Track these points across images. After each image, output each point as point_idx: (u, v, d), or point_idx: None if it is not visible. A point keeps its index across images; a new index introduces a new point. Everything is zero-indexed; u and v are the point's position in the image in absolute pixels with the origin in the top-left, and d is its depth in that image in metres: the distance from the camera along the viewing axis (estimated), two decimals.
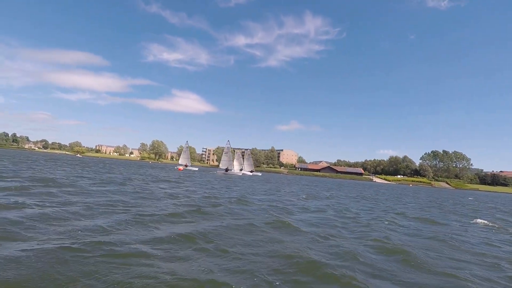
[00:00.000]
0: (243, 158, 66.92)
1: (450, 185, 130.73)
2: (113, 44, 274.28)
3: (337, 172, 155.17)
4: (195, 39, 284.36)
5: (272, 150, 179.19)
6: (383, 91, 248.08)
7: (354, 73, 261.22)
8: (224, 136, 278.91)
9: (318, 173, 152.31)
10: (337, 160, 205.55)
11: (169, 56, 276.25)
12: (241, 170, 59.24)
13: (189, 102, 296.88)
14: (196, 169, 66.31)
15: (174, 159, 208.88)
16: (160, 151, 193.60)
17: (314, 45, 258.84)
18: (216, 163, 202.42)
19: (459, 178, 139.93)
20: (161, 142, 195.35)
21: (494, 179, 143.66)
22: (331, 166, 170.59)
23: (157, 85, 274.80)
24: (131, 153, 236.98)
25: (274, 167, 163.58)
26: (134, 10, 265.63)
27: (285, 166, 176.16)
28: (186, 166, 62.56)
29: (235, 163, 61.41)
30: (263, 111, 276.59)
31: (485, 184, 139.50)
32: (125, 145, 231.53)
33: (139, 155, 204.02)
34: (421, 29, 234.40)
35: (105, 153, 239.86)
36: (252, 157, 62.47)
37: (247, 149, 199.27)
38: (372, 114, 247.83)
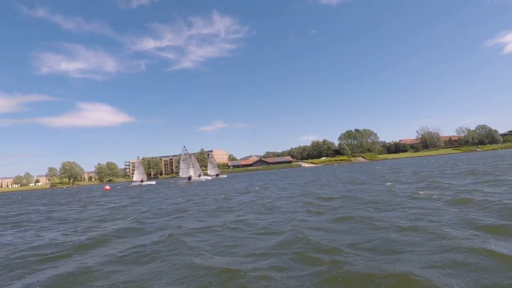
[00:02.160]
0: (198, 163, 62.27)
1: (365, 158, 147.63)
2: None
3: (269, 163, 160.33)
4: (98, 46, 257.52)
5: (202, 152, 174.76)
6: (295, 80, 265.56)
7: (266, 68, 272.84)
8: (147, 145, 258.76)
9: (251, 167, 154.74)
10: (266, 152, 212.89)
11: (69, 66, 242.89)
12: (199, 176, 53.57)
13: (101, 115, 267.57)
14: (154, 182, 61.56)
15: (93, 179, 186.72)
16: (74, 173, 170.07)
17: (226, 44, 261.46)
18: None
19: (371, 151, 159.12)
20: (74, 163, 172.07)
21: (397, 148, 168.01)
22: (262, 159, 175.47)
23: (58, 99, 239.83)
24: (37, 181, 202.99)
25: (207, 169, 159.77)
26: (14, 16, 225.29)
27: (218, 166, 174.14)
28: (142, 181, 58.77)
29: (193, 169, 55.25)
30: (184, 114, 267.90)
31: (391, 153, 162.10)
32: (27, 173, 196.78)
33: (48, 182, 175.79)
34: (319, 24, 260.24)
35: (1, 186, 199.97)
36: (191, 160, 56.80)
37: (175, 155, 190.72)
38: (288, 102, 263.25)
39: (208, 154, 73.29)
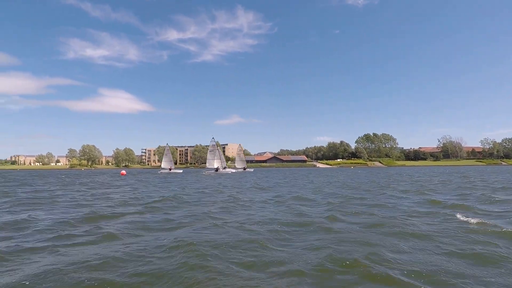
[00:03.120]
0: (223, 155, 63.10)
1: (382, 163, 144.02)
2: (22, 40, 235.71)
3: (283, 161, 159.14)
4: (123, 34, 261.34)
5: (217, 145, 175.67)
6: (315, 80, 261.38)
7: (287, 66, 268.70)
8: (163, 135, 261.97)
9: (265, 164, 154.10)
10: (280, 149, 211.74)
11: (93, 53, 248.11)
12: (224, 168, 54.32)
13: (121, 102, 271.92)
14: (181, 171, 63.34)
15: (110, 164, 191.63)
16: (92, 156, 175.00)
17: (248, 40, 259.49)
18: (158, 164, 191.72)
19: (389, 157, 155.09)
20: (93, 146, 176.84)
21: (416, 155, 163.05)
22: (276, 156, 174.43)
23: (81, 84, 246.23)
24: (58, 161, 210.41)
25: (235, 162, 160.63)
26: (45, 1, 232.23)
27: (231, 159, 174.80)
28: (170, 169, 59.23)
29: (219, 160, 55.93)
30: (202, 107, 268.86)
31: (409, 160, 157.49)
32: (49, 153, 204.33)
33: (67, 163, 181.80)
34: (344, 24, 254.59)
35: (24, 164, 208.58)
36: (218, 152, 57.44)
37: (191, 146, 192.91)
38: (305, 102, 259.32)
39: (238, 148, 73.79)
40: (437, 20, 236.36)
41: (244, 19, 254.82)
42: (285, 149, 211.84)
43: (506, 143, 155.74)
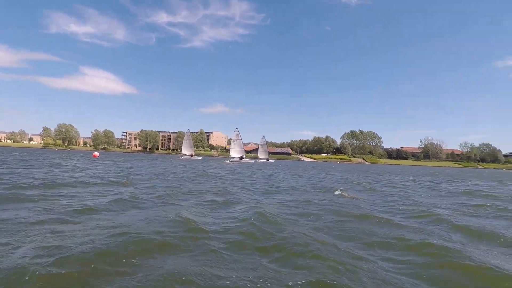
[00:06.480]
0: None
1: (365, 160, 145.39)
2: (1, 9, 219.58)
3: (268, 153, 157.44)
4: (111, 12, 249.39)
5: (201, 133, 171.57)
6: (302, 75, 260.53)
7: (276, 59, 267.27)
8: (145, 119, 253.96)
9: (249, 154, 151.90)
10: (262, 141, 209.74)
11: (78, 29, 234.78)
12: (241, 158, 55.47)
13: (103, 82, 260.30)
14: (200, 158, 64.46)
15: (88, 145, 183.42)
16: (69, 136, 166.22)
17: (239, 29, 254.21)
18: (139, 148, 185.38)
19: (372, 154, 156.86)
20: (70, 125, 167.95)
21: (398, 154, 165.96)
22: (259, 146, 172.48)
23: (62, 61, 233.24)
24: (31, 139, 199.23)
25: (205, 150, 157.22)
26: None
27: (216, 148, 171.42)
28: (192, 155, 59.29)
29: (242, 150, 57.59)
30: (187, 93, 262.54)
31: (391, 158, 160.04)
32: (22, 131, 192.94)
33: (41, 142, 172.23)
34: (335, 22, 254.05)
35: None
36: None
37: (174, 132, 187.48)
38: (292, 95, 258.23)
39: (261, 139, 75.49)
40: (427, 21, 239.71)
41: (238, 7, 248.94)
42: (269, 141, 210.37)
43: (483, 148, 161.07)
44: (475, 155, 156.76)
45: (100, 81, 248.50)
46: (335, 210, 7.35)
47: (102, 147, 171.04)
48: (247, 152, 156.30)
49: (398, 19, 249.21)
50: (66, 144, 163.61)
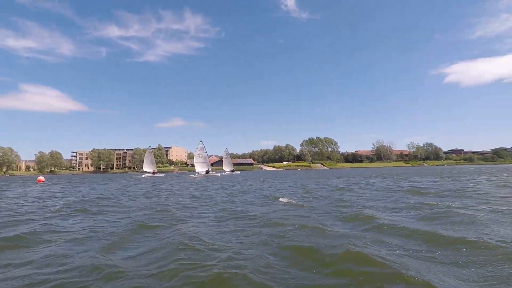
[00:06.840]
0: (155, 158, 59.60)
1: (324, 165, 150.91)
2: None
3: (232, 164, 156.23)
4: (55, 25, 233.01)
5: (159, 148, 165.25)
6: (258, 86, 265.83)
7: (231, 71, 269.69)
8: (97, 137, 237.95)
9: (213, 167, 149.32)
10: (226, 153, 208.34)
11: (17, 43, 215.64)
12: (207, 172, 53.75)
13: (48, 100, 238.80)
14: (163, 174, 64.23)
15: (32, 169, 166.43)
16: (7, 160, 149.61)
17: (194, 42, 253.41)
18: (91, 169, 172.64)
19: (330, 159, 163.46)
20: (9, 148, 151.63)
21: (354, 158, 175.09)
22: (222, 159, 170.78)
23: None
24: None
25: (164, 166, 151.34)
26: None
27: (175, 163, 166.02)
28: (154, 173, 58.13)
29: (208, 163, 55.68)
30: (142, 108, 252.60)
31: (348, 162, 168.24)
32: None
33: None
34: (288, 35, 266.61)
35: None
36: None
37: (129, 149, 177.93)
38: (250, 106, 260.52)
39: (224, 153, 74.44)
40: (371, 33, 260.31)
41: (192, 21, 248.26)
42: (230, 152, 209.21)
43: (426, 147, 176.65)
44: (420, 154, 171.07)
45: (43, 98, 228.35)
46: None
47: (49, 170, 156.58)
48: (210, 164, 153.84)
49: (344, 31, 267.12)
50: (4, 170, 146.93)
